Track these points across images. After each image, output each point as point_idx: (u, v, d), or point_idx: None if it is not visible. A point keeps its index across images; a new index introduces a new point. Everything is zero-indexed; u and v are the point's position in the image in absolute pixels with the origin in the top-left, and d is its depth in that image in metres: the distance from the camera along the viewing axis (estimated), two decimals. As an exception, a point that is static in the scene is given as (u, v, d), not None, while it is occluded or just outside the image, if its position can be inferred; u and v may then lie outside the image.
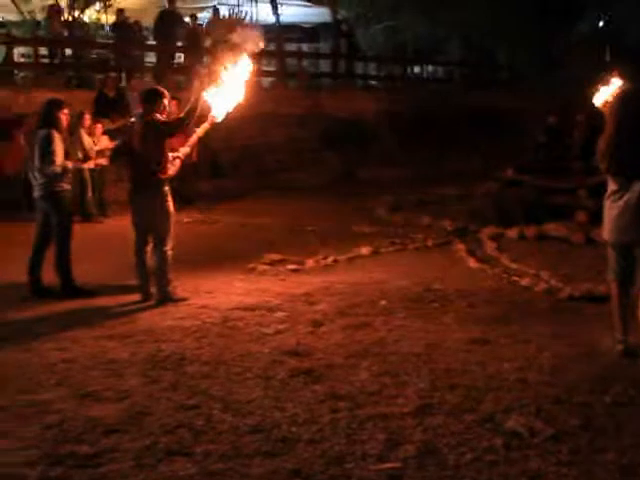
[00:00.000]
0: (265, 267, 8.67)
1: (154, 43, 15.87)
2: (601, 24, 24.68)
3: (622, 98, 5.49)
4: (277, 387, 5.02)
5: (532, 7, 17.96)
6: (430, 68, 18.98)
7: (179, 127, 7.16)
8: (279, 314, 6.79)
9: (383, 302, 7.15)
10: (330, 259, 9.08)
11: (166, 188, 7.22)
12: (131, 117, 8.19)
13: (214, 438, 4.24)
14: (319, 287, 7.83)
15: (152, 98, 7.22)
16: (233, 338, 6.11)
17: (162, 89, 7.45)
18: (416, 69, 18.78)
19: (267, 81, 16.29)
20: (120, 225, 9.95)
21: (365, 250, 9.51)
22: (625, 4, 21.90)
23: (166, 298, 7.17)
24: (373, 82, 17.70)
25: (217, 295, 7.52)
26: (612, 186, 5.36)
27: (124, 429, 4.38)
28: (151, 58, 15.90)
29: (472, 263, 8.80)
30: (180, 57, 16.27)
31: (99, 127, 12.32)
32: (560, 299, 7.20)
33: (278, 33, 16.77)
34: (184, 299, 7.26)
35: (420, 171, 15.84)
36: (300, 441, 4.21)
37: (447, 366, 5.41)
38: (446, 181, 14.56)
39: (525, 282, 7.70)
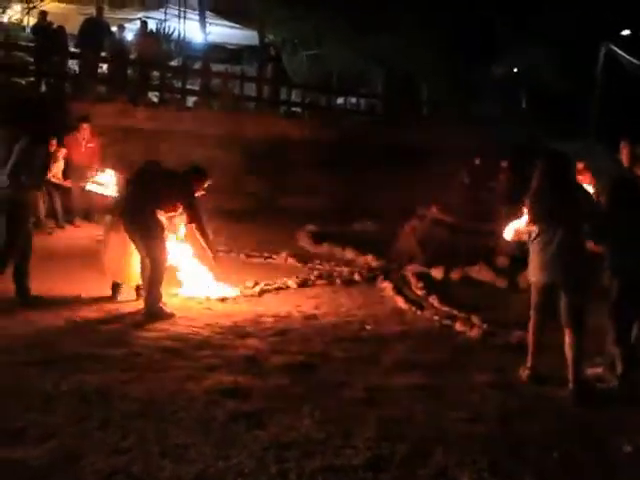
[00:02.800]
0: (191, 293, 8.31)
1: (77, 51, 15.27)
2: (515, 70, 25.39)
3: (545, 165, 5.94)
4: (217, 431, 4.69)
5: (448, 46, 18.26)
6: (353, 100, 18.98)
7: None
8: (209, 349, 6.43)
9: (318, 340, 6.91)
10: (257, 289, 8.78)
11: None
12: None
13: (154, 489, 3.90)
14: (248, 319, 7.54)
15: None
16: (163, 373, 5.73)
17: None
18: (339, 100, 18.76)
19: (191, 100, 15.92)
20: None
21: (292, 281, 9.26)
22: (539, 51, 22.59)
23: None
24: (296, 109, 17.53)
25: (142, 322, 7.11)
26: (536, 231, 5.83)
27: (51, 475, 3.97)
28: (74, 66, 15.33)
29: (401, 303, 8.66)
30: (103, 67, 15.73)
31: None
32: (496, 345, 7.13)
33: (204, 52, 16.44)
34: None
35: (340, 203, 15.73)
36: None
37: (392, 414, 5.20)
38: (366, 215, 14.48)
39: (458, 326, 7.59)
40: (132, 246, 7.63)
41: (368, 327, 7.50)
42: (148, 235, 7.34)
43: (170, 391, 5.33)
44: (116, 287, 7.92)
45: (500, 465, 4.51)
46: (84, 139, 12.68)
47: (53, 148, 11.71)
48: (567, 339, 5.80)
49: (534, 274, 5.96)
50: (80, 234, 11.83)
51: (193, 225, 7.54)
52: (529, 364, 6.09)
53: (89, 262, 9.07)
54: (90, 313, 7.30)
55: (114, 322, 7.05)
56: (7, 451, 4.21)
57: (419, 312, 8.26)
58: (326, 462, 4.33)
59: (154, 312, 7.31)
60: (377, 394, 5.57)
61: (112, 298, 7.87)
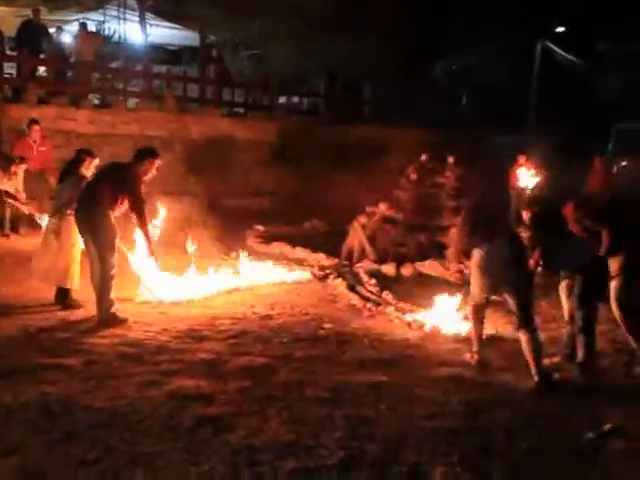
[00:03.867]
0: (144, 297, 8.18)
1: (14, 54, 14.88)
2: (454, 68, 25.74)
3: (471, 208, 6.69)
4: (185, 437, 4.62)
5: (390, 47, 18.39)
6: (296, 99, 18.93)
7: None
8: (167, 354, 6.32)
9: (276, 340, 6.86)
10: (209, 292, 8.69)
11: None
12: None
13: (128, 500, 3.81)
14: (203, 322, 7.45)
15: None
16: (123, 379, 5.61)
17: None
18: (281, 99, 18.68)
19: (132, 102, 15.66)
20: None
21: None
22: (478, 52, 22.96)
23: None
24: (239, 109, 17.41)
25: (96, 328, 6.96)
26: (479, 254, 6.19)
27: (18, 491, 3.85)
28: (10, 70, 14.94)
29: (355, 300, 8.67)
30: (41, 70, 15.35)
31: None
32: (448, 339, 7.21)
33: (145, 53, 16.20)
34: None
35: (287, 203, 15.69)
36: (224, 502, 3.85)
37: (358, 412, 5.20)
38: (313, 214, 14.48)
39: (415, 323, 7.63)
40: (74, 250, 7.65)
41: (327, 326, 7.47)
42: (99, 237, 7.18)
43: (132, 398, 5.22)
44: (62, 292, 7.76)
45: (471, 459, 4.55)
46: (35, 142, 12.32)
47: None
48: (523, 338, 6.06)
49: (485, 280, 6.25)
50: (21, 242, 11.49)
51: (133, 216, 7.28)
52: (475, 349, 6.53)
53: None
54: (41, 321, 7.10)
55: (67, 330, 6.87)
56: (-33, 468, 4.07)
57: (374, 309, 8.28)
58: (299, 464, 4.30)
59: (107, 318, 7.16)
60: (341, 393, 5.56)
61: (61, 303, 7.69)
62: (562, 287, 6.62)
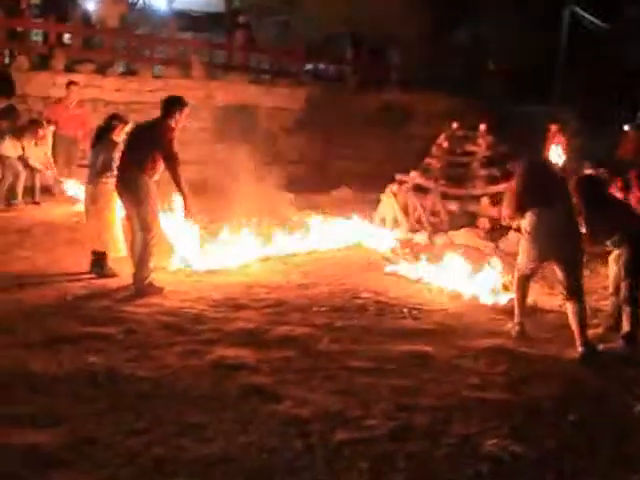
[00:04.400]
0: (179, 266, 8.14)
1: (40, 21, 14.75)
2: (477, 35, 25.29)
3: (528, 168, 6.31)
4: (232, 407, 4.57)
5: (417, 10, 18.08)
6: (322, 65, 18.71)
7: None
8: (206, 323, 6.28)
9: (315, 310, 6.80)
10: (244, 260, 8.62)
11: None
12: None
13: (181, 469, 3.77)
14: (239, 291, 7.39)
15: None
16: (165, 349, 5.58)
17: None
18: (307, 66, 18.47)
19: (158, 69, 15.52)
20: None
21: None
22: (503, 18, 22.54)
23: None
24: (266, 76, 17.22)
25: (133, 297, 6.92)
26: (530, 220, 6.03)
27: (70, 460, 3.82)
28: (37, 37, 14.83)
29: (390, 269, 8.59)
30: (66, 37, 15.23)
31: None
32: (487, 308, 7.14)
33: (170, 19, 16.03)
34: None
35: (313, 170, 15.57)
36: (277, 471, 3.81)
37: (403, 382, 5.14)
38: (341, 181, 14.36)
39: (453, 292, 7.55)
40: (111, 216, 7.63)
41: (364, 295, 7.39)
42: (142, 205, 7.07)
43: (175, 368, 5.20)
44: (97, 256, 7.73)
45: (521, 430, 4.48)
46: (71, 104, 12.20)
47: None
48: (570, 308, 5.98)
49: (536, 249, 6.08)
50: (53, 209, 11.46)
51: (170, 173, 7.07)
52: (517, 320, 6.39)
53: (68, 237, 8.90)
54: (78, 290, 7.08)
55: (105, 298, 6.84)
56: (18, 437, 4.04)
57: (409, 278, 8.20)
58: (349, 435, 4.25)
59: (144, 287, 7.12)
60: (384, 363, 5.51)
61: (93, 269, 7.67)
62: (612, 257, 6.49)
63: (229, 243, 8.88)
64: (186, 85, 15.28)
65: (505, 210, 6.29)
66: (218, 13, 18.54)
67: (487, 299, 7.38)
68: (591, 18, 24.97)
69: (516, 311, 6.43)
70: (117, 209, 7.69)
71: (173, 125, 7.18)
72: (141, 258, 7.16)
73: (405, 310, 6.92)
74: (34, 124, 11.44)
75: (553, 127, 14.40)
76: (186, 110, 7.28)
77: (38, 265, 7.91)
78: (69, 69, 13.87)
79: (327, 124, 16.27)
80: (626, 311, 6.17)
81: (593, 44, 23.76)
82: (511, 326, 6.43)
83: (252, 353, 5.53)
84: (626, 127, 15.91)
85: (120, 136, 7.77)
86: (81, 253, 8.02)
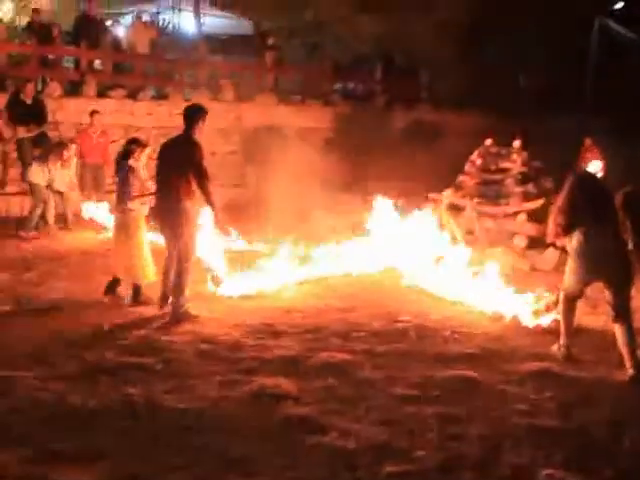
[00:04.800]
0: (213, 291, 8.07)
1: (72, 47, 14.88)
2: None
3: (578, 182, 6.11)
4: (276, 439, 4.46)
5: (448, 28, 17.99)
6: (351, 85, 18.69)
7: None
8: (244, 351, 6.17)
9: (354, 335, 6.67)
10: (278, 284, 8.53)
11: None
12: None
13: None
14: (276, 316, 7.29)
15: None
16: (203, 378, 5.48)
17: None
18: (336, 85, 18.46)
19: (188, 92, 15.58)
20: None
21: (315, 273, 9.04)
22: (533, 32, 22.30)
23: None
24: (296, 97, 17.22)
25: (169, 325, 6.84)
26: (578, 239, 5.90)
27: (112, 498, 3.73)
28: (69, 64, 14.96)
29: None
30: (97, 63, 15.34)
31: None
32: (530, 331, 6.98)
33: (200, 43, 16.10)
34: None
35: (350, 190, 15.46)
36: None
37: (449, 410, 4.99)
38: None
39: (495, 314, 7.39)
40: (141, 243, 7.51)
41: (404, 319, 7.24)
42: (181, 233, 6.99)
43: (215, 399, 5.09)
44: (114, 283, 7.67)
45: (575, 459, 4.32)
46: (95, 133, 12.29)
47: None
48: (619, 330, 5.83)
49: (584, 269, 5.95)
50: (83, 235, 11.44)
51: (200, 190, 6.95)
52: (563, 342, 6.20)
53: (102, 264, 8.87)
54: (114, 319, 7.00)
55: (141, 327, 6.75)
56: (58, 474, 3.95)
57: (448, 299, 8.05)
58: (398, 467, 4.12)
59: (180, 315, 7.04)
60: (428, 390, 5.37)
61: (133, 299, 7.54)
62: None
63: (264, 266, 8.79)
64: (216, 107, 15.30)
65: (551, 227, 6.11)
66: (247, 35, 18.62)
67: (529, 321, 7.20)
68: (619, 28, 24.72)
69: (562, 333, 6.24)
70: (145, 235, 7.62)
71: (198, 136, 7.06)
72: (177, 285, 7.08)
73: (446, 333, 6.77)
74: (59, 146, 11.44)
75: (587, 141, 14.17)
76: (206, 115, 7.18)
77: (74, 294, 7.86)
78: (101, 95, 13.96)
79: (356, 143, 16.19)
80: None
81: (623, 55, 23.49)
82: (557, 348, 6.25)
83: (293, 382, 5.41)
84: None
85: (140, 160, 7.65)
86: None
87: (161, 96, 15.10)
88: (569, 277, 6.06)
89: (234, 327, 6.87)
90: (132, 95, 14.38)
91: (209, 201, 7.00)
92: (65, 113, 13.61)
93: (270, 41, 16.79)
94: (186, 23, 17.99)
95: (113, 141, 12.78)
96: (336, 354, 6.08)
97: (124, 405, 4.90)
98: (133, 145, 7.71)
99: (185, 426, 4.62)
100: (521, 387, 5.49)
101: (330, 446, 4.36)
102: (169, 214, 7.06)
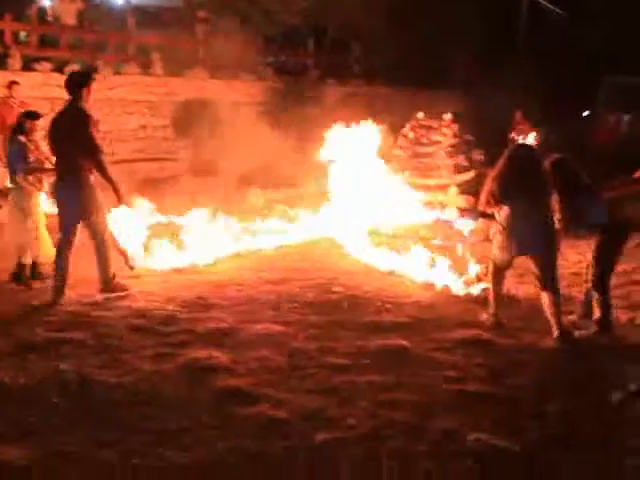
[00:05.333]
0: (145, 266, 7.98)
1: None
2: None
3: (513, 154, 6.15)
4: (208, 412, 4.46)
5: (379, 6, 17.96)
6: (283, 58, 18.56)
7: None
8: (177, 324, 6.14)
9: (288, 306, 6.70)
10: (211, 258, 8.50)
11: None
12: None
13: (159, 480, 3.66)
14: (209, 289, 7.26)
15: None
16: (136, 353, 5.44)
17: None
18: (269, 59, 18.32)
19: (118, 65, 15.24)
20: None
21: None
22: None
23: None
24: (226, 71, 17.00)
25: (102, 301, 6.74)
26: (505, 212, 5.98)
27: (40, 477, 3.70)
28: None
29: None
30: (22, 35, 14.88)
31: None
32: (460, 300, 7.12)
33: (129, 15, 15.74)
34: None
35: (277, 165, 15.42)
36: (260, 476, 3.72)
37: (381, 378, 5.07)
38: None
39: (425, 284, 7.51)
40: (35, 221, 7.23)
41: (337, 289, 7.30)
42: (89, 208, 6.70)
43: (148, 372, 5.06)
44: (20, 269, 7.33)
45: (502, 423, 4.44)
46: (15, 103, 11.87)
47: None
48: (546, 299, 5.99)
49: (512, 244, 6.03)
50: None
51: (95, 167, 6.63)
52: (492, 311, 6.36)
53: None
54: (43, 296, 6.85)
55: (72, 303, 6.63)
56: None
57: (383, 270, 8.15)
58: (330, 434, 4.17)
59: (112, 287, 6.96)
60: (360, 359, 5.43)
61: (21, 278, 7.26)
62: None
63: (195, 240, 8.73)
64: (146, 82, 15.13)
65: (483, 195, 6.16)
66: (177, 8, 18.28)
67: (458, 289, 7.34)
68: (550, 6, 25.09)
69: (491, 302, 6.39)
70: (41, 211, 7.37)
71: (87, 106, 6.65)
72: (101, 260, 6.92)
73: (379, 303, 6.85)
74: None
75: (518, 114, 14.44)
76: (94, 79, 6.84)
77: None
78: (26, 68, 13.58)
79: (288, 117, 16.12)
80: (595, 298, 6.15)
81: (552, 32, 23.82)
82: (486, 317, 6.40)
83: (226, 354, 5.41)
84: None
85: (34, 134, 7.29)
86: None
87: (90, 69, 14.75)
88: (497, 250, 6.17)
89: (167, 301, 6.82)
90: (59, 68, 14.00)
91: (105, 176, 6.66)
92: (-12, 86, 13.20)
93: (201, 14, 16.53)
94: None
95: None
96: (270, 326, 6.11)
97: (55, 381, 4.83)
98: (24, 118, 7.33)
99: (118, 401, 4.59)
100: (452, 354, 5.60)
101: (263, 416, 4.39)
102: (71, 191, 6.69)
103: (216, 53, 16.43)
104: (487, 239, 9.73)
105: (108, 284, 6.96)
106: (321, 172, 13.94)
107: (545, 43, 22.78)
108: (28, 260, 7.32)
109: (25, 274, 7.32)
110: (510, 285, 7.34)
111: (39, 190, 7.32)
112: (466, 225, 10.15)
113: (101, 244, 6.89)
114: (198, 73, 15.92)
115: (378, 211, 10.55)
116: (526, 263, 6.23)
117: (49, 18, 15.02)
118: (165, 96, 15.36)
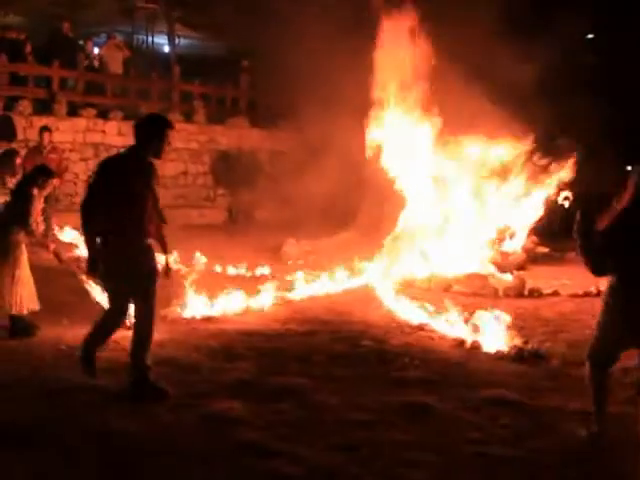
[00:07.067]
0: (176, 313, 8.00)
1: (43, 66, 14.77)
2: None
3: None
4: (225, 464, 4.41)
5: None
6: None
7: None
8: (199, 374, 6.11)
9: (314, 359, 6.64)
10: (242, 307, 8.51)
11: None
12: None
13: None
14: (237, 339, 7.24)
15: None
16: (157, 402, 5.40)
17: None
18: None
19: (161, 113, 15.50)
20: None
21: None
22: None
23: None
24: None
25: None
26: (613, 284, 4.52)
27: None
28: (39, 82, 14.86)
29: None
30: (70, 82, 15.25)
31: None
32: (489, 357, 6.98)
33: (173, 65, 16.08)
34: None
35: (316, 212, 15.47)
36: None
37: (404, 436, 4.95)
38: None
39: (456, 340, 7.41)
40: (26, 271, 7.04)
41: (365, 343, 7.22)
42: (139, 275, 5.46)
43: (167, 422, 5.02)
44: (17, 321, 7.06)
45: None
46: (45, 148, 12.06)
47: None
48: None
49: (624, 327, 4.54)
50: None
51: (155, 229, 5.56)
52: (595, 429, 4.91)
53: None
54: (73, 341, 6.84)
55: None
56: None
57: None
58: (346, 495, 4.07)
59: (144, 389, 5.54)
60: (384, 416, 5.33)
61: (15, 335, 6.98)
62: None
63: (228, 289, 8.77)
64: (189, 129, 15.39)
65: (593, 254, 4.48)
66: (221, 57, 18.63)
67: (489, 346, 7.21)
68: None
69: (592, 417, 4.94)
70: (26, 261, 7.12)
71: (158, 153, 5.60)
72: (146, 333, 5.66)
73: (407, 359, 6.75)
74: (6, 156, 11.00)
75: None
76: (171, 132, 5.62)
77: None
78: (72, 113, 13.91)
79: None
80: None
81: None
82: (585, 434, 4.97)
83: (246, 406, 5.35)
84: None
85: (43, 192, 7.12)
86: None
87: (133, 116, 15.05)
88: (600, 338, 4.76)
89: (194, 349, 6.81)
90: (103, 114, 14.33)
91: (163, 243, 5.69)
92: (35, 131, 13.52)
93: (244, 63, 16.82)
94: (160, 44, 17.98)
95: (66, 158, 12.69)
96: (293, 378, 6.05)
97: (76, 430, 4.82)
98: (39, 173, 7.17)
99: (135, 451, 4.56)
100: (477, 414, 5.46)
101: (279, 472, 4.31)
102: (121, 257, 5.45)
103: (258, 102, 16.70)
104: (521, 295, 9.74)
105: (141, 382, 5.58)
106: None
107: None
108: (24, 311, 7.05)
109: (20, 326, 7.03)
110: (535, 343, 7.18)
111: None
112: (501, 281, 10.03)
113: (147, 318, 5.63)
114: (239, 122, 16.13)
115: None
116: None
117: (96, 64, 15.39)
118: (206, 144, 15.60)
